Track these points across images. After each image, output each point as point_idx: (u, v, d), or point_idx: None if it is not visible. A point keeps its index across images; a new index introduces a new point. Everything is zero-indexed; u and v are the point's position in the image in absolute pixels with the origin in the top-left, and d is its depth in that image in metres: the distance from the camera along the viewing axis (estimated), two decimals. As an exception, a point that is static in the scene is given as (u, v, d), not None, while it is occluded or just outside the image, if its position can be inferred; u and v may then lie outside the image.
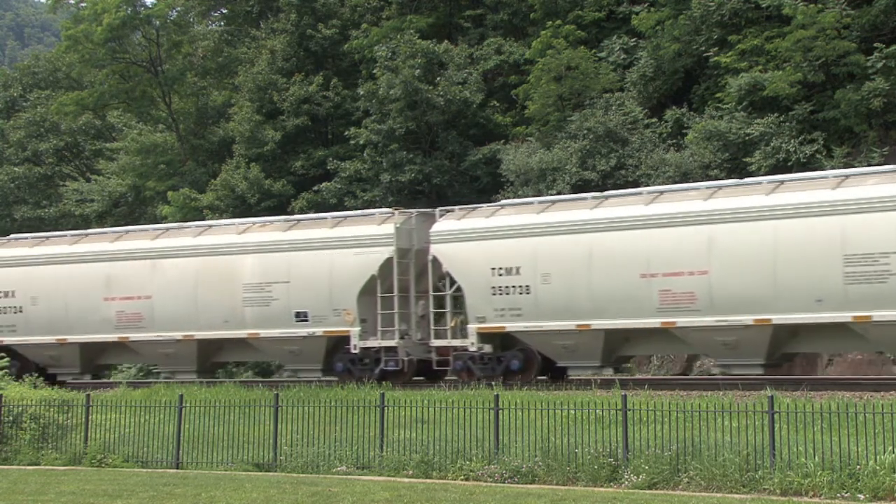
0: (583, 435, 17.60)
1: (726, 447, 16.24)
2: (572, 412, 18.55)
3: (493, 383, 25.63)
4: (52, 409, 22.98)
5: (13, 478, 19.83)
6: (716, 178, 30.55)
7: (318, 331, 28.58)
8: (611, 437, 17.44)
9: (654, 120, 36.05)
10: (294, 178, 43.14)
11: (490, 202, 30.52)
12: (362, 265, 28.21)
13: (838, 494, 14.96)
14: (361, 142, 40.53)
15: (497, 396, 18.87)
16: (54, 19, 79.69)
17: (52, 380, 32.07)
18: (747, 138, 32.44)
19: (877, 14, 32.67)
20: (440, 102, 39.08)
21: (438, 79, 39.63)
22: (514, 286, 26.32)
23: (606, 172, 34.18)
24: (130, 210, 51.20)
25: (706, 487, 15.97)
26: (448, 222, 27.95)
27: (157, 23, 50.75)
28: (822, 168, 30.07)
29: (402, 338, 28.11)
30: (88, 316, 31.28)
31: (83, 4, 51.79)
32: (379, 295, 28.05)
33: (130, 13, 49.10)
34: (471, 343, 27.07)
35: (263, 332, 29.18)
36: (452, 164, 39.58)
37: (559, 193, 32.32)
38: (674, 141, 35.01)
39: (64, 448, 22.10)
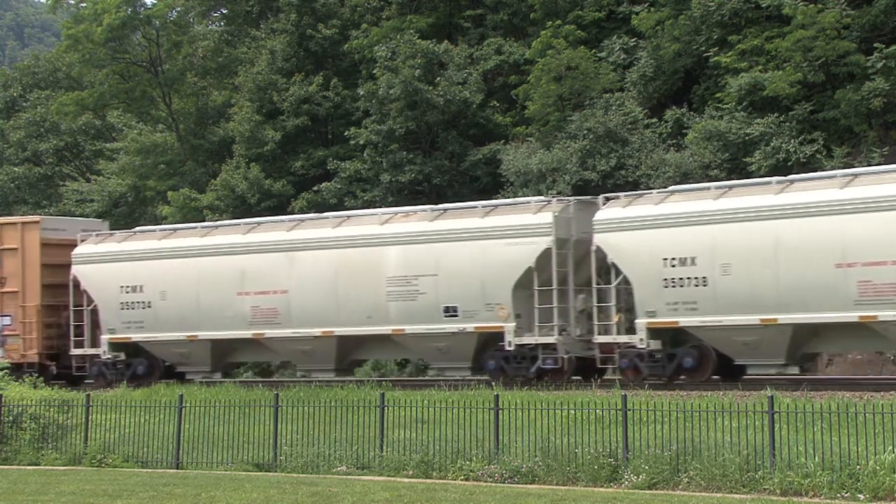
0: (583, 435, 17.60)
1: (726, 447, 16.24)
2: (572, 412, 18.55)
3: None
4: (52, 409, 22.98)
5: (13, 478, 19.83)
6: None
7: (469, 327, 27.01)
8: (611, 437, 17.44)
9: (654, 120, 36.06)
10: (294, 178, 43.15)
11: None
12: (518, 257, 26.52)
13: (838, 494, 14.96)
14: (361, 142, 40.54)
15: (497, 396, 18.87)
16: (54, 19, 79.68)
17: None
18: (747, 138, 32.45)
19: (877, 14, 32.69)
20: (440, 102, 39.08)
21: (438, 79, 39.63)
22: (688, 278, 24.64)
23: (606, 172, 34.18)
24: (130, 210, 51.15)
25: (706, 487, 15.97)
26: (614, 210, 26.08)
27: (157, 23, 50.74)
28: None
29: (560, 334, 26.44)
30: (221, 311, 29.81)
31: (83, 4, 51.79)
32: (536, 288, 26.38)
33: (130, 13, 49.09)
34: (639, 339, 25.26)
35: (409, 329, 27.57)
36: (452, 164, 39.58)
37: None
38: (674, 141, 35.02)
39: (64, 448, 22.10)
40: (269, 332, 29.34)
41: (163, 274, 30.81)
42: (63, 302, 32.18)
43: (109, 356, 31.35)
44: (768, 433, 16.13)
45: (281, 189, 42.14)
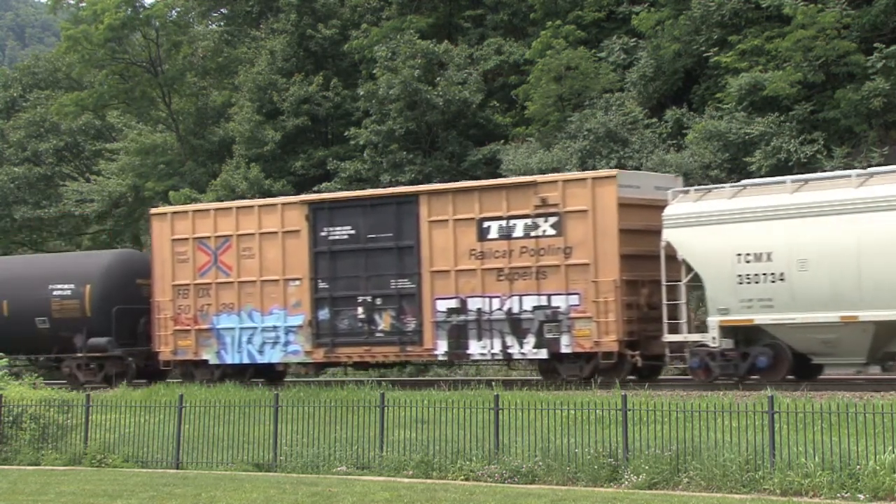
0: (583, 435, 17.60)
1: (726, 447, 16.24)
2: (572, 412, 18.56)
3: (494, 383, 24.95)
4: (52, 409, 22.98)
5: (13, 478, 19.83)
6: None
7: None
8: (611, 437, 17.44)
9: (655, 120, 36.06)
10: (294, 178, 43.17)
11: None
12: None
13: (838, 494, 14.96)
14: (361, 142, 40.56)
15: (497, 396, 18.88)
16: (54, 19, 79.62)
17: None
18: (747, 138, 32.45)
19: (877, 14, 32.71)
20: (440, 103, 39.09)
21: (438, 79, 39.64)
22: None
23: (606, 173, 34.17)
24: (131, 210, 51.17)
25: (706, 487, 15.97)
26: None
27: (157, 23, 50.74)
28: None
29: None
30: (894, 285, 22.61)
31: (83, 5, 51.78)
32: None
33: (130, 13, 49.09)
34: None
35: None
36: (452, 164, 39.58)
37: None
38: (674, 141, 35.02)
39: (64, 448, 22.10)
40: None
41: (801, 237, 23.66)
42: (641, 276, 25.93)
43: (718, 344, 24.50)
44: (768, 433, 16.13)
45: (281, 189, 42.11)
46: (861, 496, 14.81)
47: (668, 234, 24.89)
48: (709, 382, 24.25)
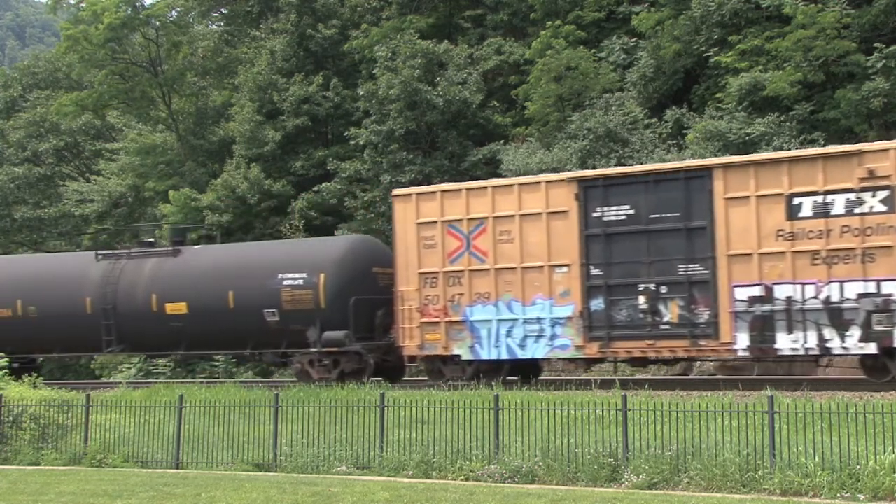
0: (583, 435, 17.60)
1: (726, 447, 16.25)
2: (572, 412, 18.56)
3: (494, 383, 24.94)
4: (52, 409, 22.98)
5: (13, 478, 19.84)
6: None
7: None
8: (611, 437, 17.44)
9: (655, 120, 36.09)
10: (294, 178, 43.21)
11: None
12: None
13: (838, 494, 14.97)
14: (361, 142, 40.57)
15: (497, 396, 18.87)
16: (54, 19, 79.70)
17: None
18: (748, 138, 32.46)
19: (877, 14, 32.75)
20: (440, 103, 39.10)
21: (438, 79, 39.65)
22: None
23: (607, 173, 34.19)
24: (131, 210, 51.19)
25: (706, 487, 15.97)
26: None
27: (157, 23, 50.78)
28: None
29: None
30: None
31: (83, 5, 51.80)
32: None
33: (130, 13, 49.12)
34: None
35: None
36: (452, 164, 39.59)
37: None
38: (674, 141, 35.04)
39: (64, 448, 22.10)
40: None
41: None
42: None
43: None
44: (768, 433, 16.13)
45: (281, 189, 42.17)
46: (861, 496, 14.82)
47: None
48: None
